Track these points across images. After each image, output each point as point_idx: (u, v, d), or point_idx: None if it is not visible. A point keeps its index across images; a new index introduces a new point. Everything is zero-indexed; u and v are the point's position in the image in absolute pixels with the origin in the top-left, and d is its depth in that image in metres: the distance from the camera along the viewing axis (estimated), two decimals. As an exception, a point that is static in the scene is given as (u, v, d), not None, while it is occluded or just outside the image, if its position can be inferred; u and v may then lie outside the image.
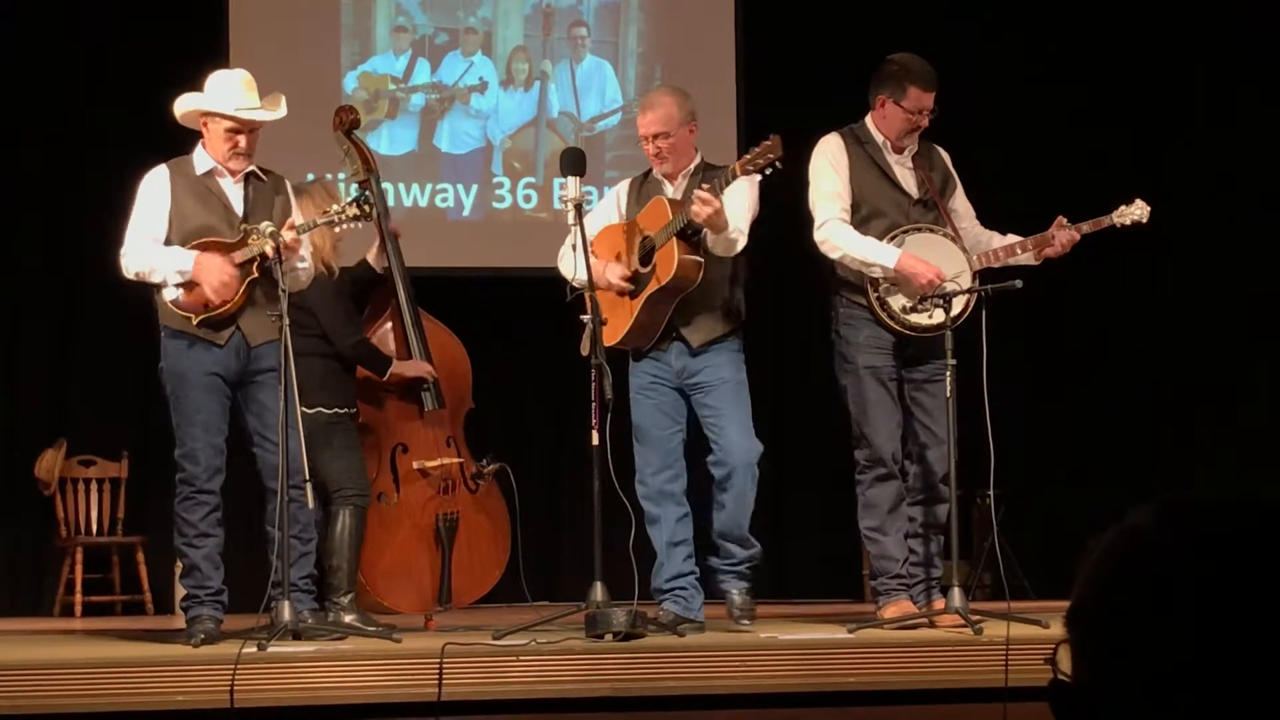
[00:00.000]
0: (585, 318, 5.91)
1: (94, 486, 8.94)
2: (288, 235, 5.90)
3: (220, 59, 9.00)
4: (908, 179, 6.36)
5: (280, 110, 6.16)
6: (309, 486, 5.79)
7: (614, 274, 6.18)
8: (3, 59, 8.96)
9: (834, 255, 6.24)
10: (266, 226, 5.91)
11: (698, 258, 6.10)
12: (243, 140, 6.11)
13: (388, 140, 9.25)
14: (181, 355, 6.04)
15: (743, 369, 6.29)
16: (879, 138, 6.36)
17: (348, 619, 6.30)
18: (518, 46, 9.50)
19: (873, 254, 6.18)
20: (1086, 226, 6.41)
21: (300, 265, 6.11)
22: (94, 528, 8.91)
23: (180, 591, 8.62)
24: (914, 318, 6.20)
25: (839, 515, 8.75)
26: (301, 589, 6.10)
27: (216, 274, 5.93)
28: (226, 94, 6.14)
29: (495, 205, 9.31)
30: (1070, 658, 1.23)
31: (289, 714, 5.12)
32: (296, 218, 6.09)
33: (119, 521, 8.93)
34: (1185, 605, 1.16)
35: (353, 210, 5.96)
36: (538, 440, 9.16)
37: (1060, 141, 9.53)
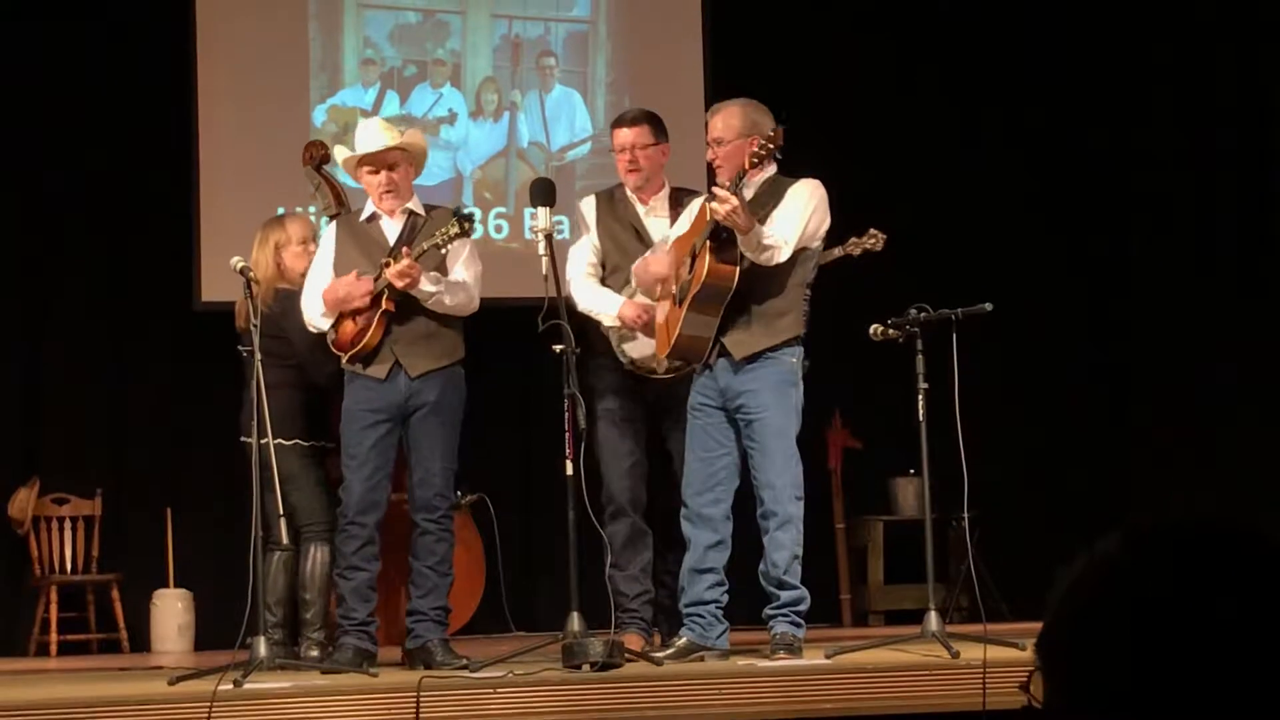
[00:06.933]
0: (558, 348, 5.90)
1: (68, 525, 8.90)
2: (392, 270, 6.02)
3: (188, 93, 9.00)
4: (656, 228, 6.44)
5: (412, 139, 6.37)
6: (283, 522, 5.78)
7: (658, 266, 6.14)
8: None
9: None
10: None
11: (731, 263, 5.90)
12: (383, 177, 6.27)
13: (358, 173, 9.24)
14: (348, 393, 6.24)
15: (790, 390, 5.96)
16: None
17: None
18: (487, 77, 9.51)
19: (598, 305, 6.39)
20: None
21: (428, 289, 6.11)
22: (68, 566, 8.87)
23: (156, 630, 8.69)
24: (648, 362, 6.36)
25: (814, 540, 8.72)
26: (432, 619, 6.18)
27: (343, 288, 6.15)
28: (365, 139, 6.35)
29: (467, 236, 9.30)
30: (1042, 684, 1.23)
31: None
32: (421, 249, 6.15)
33: (93, 559, 8.89)
34: (1155, 632, 1.17)
35: (454, 229, 6.00)
36: (511, 470, 9.14)
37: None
